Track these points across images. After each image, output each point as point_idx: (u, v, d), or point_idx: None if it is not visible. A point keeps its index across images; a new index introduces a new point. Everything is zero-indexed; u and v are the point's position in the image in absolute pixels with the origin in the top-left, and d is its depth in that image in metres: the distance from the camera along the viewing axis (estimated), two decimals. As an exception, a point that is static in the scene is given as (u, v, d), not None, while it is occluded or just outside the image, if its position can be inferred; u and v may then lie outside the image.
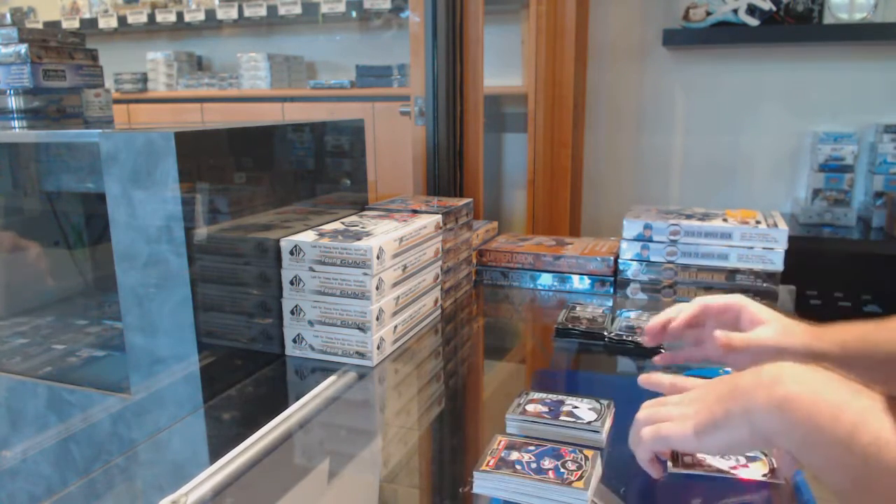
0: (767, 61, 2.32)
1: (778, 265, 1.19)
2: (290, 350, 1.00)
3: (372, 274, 0.93)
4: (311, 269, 0.96)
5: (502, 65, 2.52)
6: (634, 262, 1.28)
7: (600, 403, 0.78)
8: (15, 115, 1.18)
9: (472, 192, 1.67)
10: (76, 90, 1.25)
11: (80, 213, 1.40)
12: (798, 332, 0.67)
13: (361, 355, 0.96)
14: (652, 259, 1.26)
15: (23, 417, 1.01)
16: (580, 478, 0.62)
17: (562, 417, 0.75)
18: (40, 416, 0.99)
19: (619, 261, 1.29)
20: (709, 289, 1.23)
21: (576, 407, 0.77)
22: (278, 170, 1.01)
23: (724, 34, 2.22)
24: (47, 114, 1.21)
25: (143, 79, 3.40)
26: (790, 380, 0.49)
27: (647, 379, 0.74)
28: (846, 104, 2.26)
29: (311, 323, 0.98)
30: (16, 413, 1.01)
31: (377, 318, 0.96)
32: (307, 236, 0.98)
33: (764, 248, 1.19)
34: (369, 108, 2.67)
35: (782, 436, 0.48)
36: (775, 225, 1.20)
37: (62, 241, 1.40)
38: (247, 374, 0.94)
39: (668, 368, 0.84)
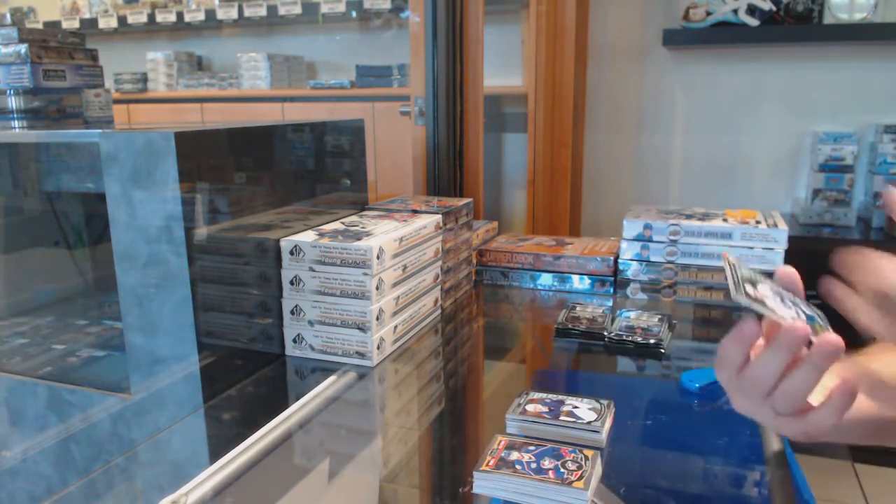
0: (767, 61, 2.32)
1: (778, 265, 1.19)
2: (290, 350, 1.00)
3: (372, 274, 0.93)
4: (311, 269, 0.96)
5: (502, 65, 2.52)
6: (634, 262, 1.28)
7: (600, 403, 0.78)
8: (15, 115, 1.18)
9: (472, 192, 1.67)
10: (76, 90, 1.25)
11: (80, 213, 1.40)
12: None
13: (361, 355, 0.96)
14: (652, 259, 1.26)
15: (23, 417, 1.01)
16: (580, 478, 0.62)
17: (562, 417, 0.75)
18: (40, 416, 0.99)
19: (619, 261, 1.29)
20: (709, 289, 1.23)
21: (576, 407, 0.77)
22: (278, 170, 1.01)
23: (724, 34, 2.22)
24: (47, 114, 1.21)
25: (143, 79, 3.40)
26: None
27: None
28: (846, 104, 2.26)
29: (311, 323, 0.98)
30: (16, 413, 1.01)
31: (377, 318, 0.96)
32: (307, 236, 0.98)
33: (764, 248, 1.19)
34: (369, 108, 2.67)
35: None
36: (775, 225, 1.20)
37: (62, 241, 1.40)
38: (247, 374, 0.94)
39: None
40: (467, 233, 1.31)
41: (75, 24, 3.42)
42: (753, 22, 2.17)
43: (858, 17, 2.09)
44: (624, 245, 1.28)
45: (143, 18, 3.30)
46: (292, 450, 0.78)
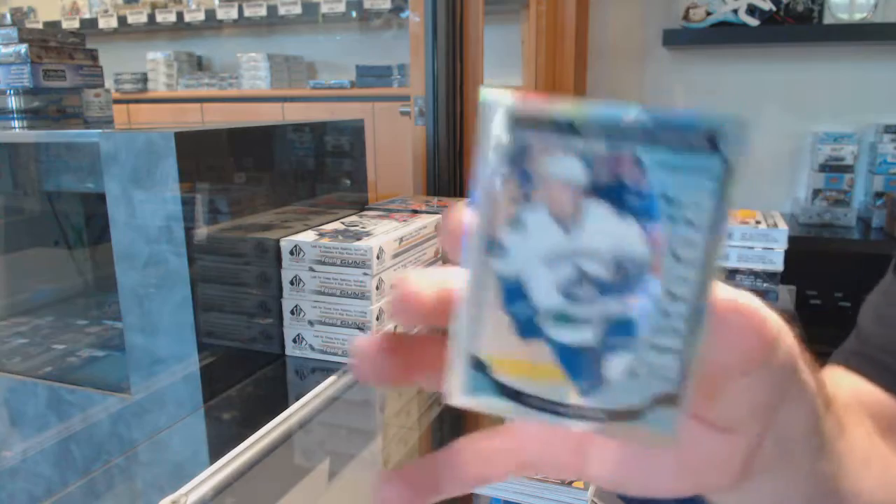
0: (767, 61, 2.32)
1: (778, 265, 1.19)
2: (290, 350, 1.00)
3: (372, 274, 0.93)
4: (311, 269, 0.96)
5: (502, 65, 2.52)
6: (634, 262, 1.27)
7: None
8: (15, 115, 1.18)
9: (472, 192, 1.67)
10: (76, 90, 1.25)
11: (80, 213, 1.40)
12: None
13: (361, 355, 0.96)
14: (652, 259, 1.26)
15: (23, 417, 1.01)
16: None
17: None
18: (40, 416, 0.99)
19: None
20: (709, 289, 1.23)
21: (576, 407, 0.77)
22: (278, 170, 1.01)
23: (724, 34, 2.22)
24: (47, 114, 1.21)
25: (143, 79, 3.40)
26: None
27: None
28: (846, 104, 2.26)
29: (311, 323, 0.98)
30: (16, 413, 1.01)
31: (377, 319, 0.96)
32: (307, 236, 0.98)
33: (764, 248, 1.19)
34: (369, 108, 2.67)
35: None
36: (775, 225, 1.20)
37: (62, 241, 1.40)
38: (247, 374, 0.94)
39: None
40: (467, 233, 1.31)
41: (75, 24, 3.42)
42: (753, 22, 2.17)
43: (858, 17, 2.09)
44: (624, 245, 1.28)
45: (143, 18, 3.30)
46: (292, 450, 0.78)
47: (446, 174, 1.62)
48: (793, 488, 0.29)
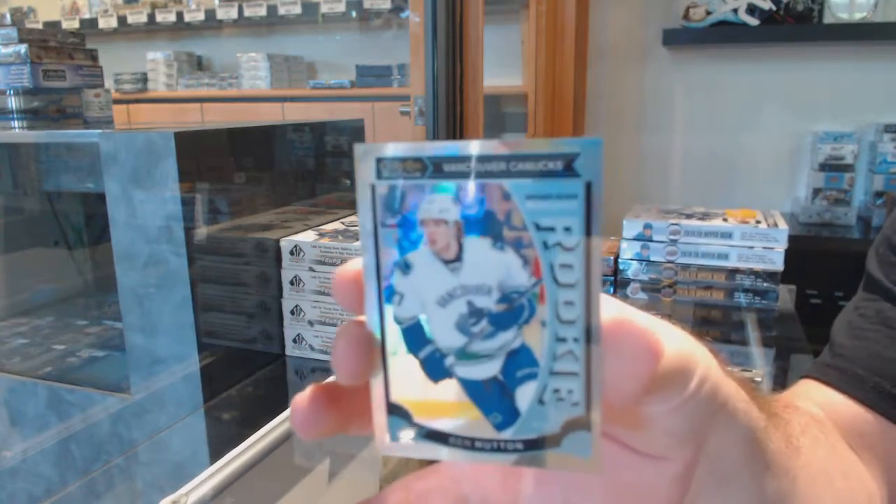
0: (767, 61, 2.32)
1: (778, 265, 1.19)
2: (290, 350, 1.00)
3: (372, 274, 0.93)
4: (311, 269, 0.96)
5: (502, 65, 2.52)
6: (634, 262, 1.27)
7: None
8: (15, 115, 1.18)
9: (472, 191, 1.67)
10: (76, 90, 1.25)
11: (80, 213, 1.40)
12: None
13: (361, 355, 0.96)
14: (652, 259, 1.26)
15: (23, 417, 1.01)
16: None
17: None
18: (40, 416, 0.99)
19: (619, 260, 1.29)
20: (709, 288, 1.23)
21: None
22: (278, 170, 1.01)
23: (724, 34, 2.22)
24: (47, 114, 1.21)
25: (143, 79, 3.40)
26: None
27: None
28: (846, 104, 2.26)
29: (311, 323, 0.98)
30: (16, 413, 1.01)
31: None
32: (307, 236, 0.98)
33: (764, 248, 1.19)
34: (369, 108, 2.67)
35: None
36: (775, 225, 1.20)
37: (62, 241, 1.40)
38: (247, 374, 0.94)
39: None
40: (467, 233, 1.31)
41: (75, 24, 3.42)
42: (753, 21, 2.17)
43: (858, 16, 2.09)
44: (624, 245, 1.28)
45: (143, 18, 3.30)
46: (292, 450, 0.78)
47: (446, 174, 1.62)
48: None
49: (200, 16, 3.18)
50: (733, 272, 1.21)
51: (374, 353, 0.22)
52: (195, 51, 3.45)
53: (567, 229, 0.21)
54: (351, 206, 1.20)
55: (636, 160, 2.51)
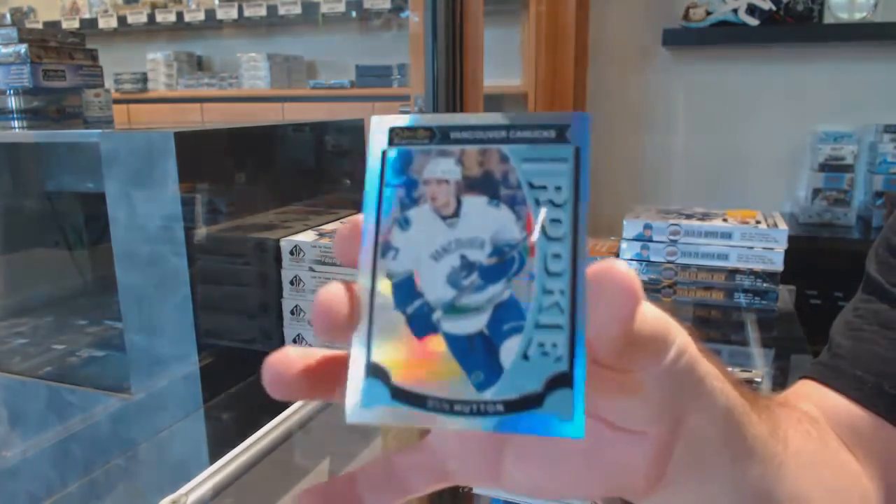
0: (767, 61, 2.32)
1: (778, 265, 1.19)
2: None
3: (372, 274, 0.93)
4: (311, 269, 0.96)
5: (502, 65, 2.52)
6: (634, 262, 1.27)
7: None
8: (15, 115, 1.18)
9: (472, 192, 1.67)
10: (76, 90, 1.25)
11: (80, 213, 1.40)
12: None
13: (361, 355, 0.96)
14: (652, 259, 1.26)
15: (23, 417, 1.01)
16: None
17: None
18: (40, 416, 0.99)
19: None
20: (709, 288, 1.23)
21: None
22: (278, 170, 1.01)
23: (724, 34, 2.22)
24: (47, 114, 1.21)
25: (143, 79, 3.40)
26: None
27: None
28: (846, 104, 2.26)
29: (311, 323, 0.97)
30: (16, 413, 1.01)
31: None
32: (307, 236, 0.98)
33: (764, 248, 1.19)
34: (369, 108, 2.67)
35: None
36: (775, 225, 1.20)
37: (62, 241, 1.40)
38: (247, 374, 0.94)
39: None
40: (467, 233, 1.31)
41: (75, 24, 3.42)
42: (753, 21, 2.17)
43: (858, 16, 2.09)
44: (624, 245, 1.28)
45: (143, 18, 3.30)
46: (292, 450, 0.78)
47: (446, 174, 1.62)
48: (717, 494, 0.30)
49: (200, 16, 3.18)
50: (733, 272, 1.21)
51: (356, 307, 0.23)
52: (195, 51, 3.45)
53: (557, 188, 0.22)
54: (351, 206, 1.19)
55: (636, 160, 2.51)
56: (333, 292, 0.23)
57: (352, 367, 0.23)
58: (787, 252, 1.18)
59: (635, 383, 0.24)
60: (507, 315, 0.22)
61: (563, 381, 0.21)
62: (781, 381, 0.93)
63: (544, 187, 0.22)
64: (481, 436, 0.26)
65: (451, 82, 1.59)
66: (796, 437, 0.35)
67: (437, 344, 0.22)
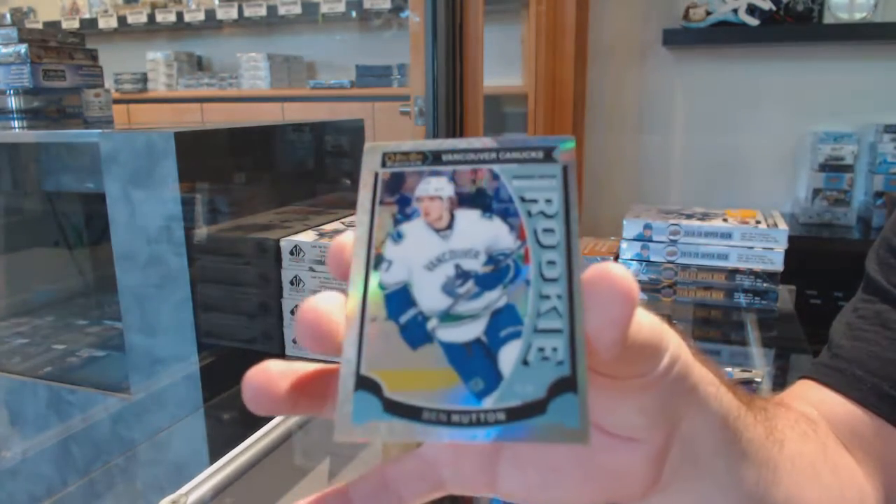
0: (767, 61, 2.32)
1: (778, 265, 1.19)
2: (290, 350, 1.00)
3: (372, 274, 0.93)
4: (312, 270, 0.96)
5: (502, 65, 2.52)
6: (634, 262, 1.27)
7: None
8: (15, 115, 1.18)
9: (472, 192, 1.67)
10: (76, 90, 1.25)
11: (80, 213, 1.40)
12: None
13: (361, 355, 0.96)
14: (652, 259, 1.26)
15: (23, 417, 1.01)
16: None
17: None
18: (40, 416, 0.99)
19: (619, 261, 1.29)
20: (709, 289, 1.23)
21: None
22: (278, 170, 1.01)
23: (724, 34, 2.22)
24: (47, 114, 1.21)
25: (143, 79, 3.40)
26: None
27: None
28: (846, 104, 2.26)
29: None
30: (16, 413, 1.01)
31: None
32: (307, 236, 0.98)
33: (764, 248, 1.19)
34: (369, 108, 2.67)
35: None
36: (775, 225, 1.20)
37: (62, 241, 1.40)
38: (247, 374, 0.94)
39: None
40: (467, 233, 1.31)
41: (75, 24, 3.42)
42: (753, 21, 2.17)
43: (858, 16, 2.09)
44: (624, 245, 1.28)
45: (143, 18, 3.30)
46: (292, 450, 0.78)
47: (446, 174, 1.62)
48: (712, 498, 0.30)
49: (200, 16, 3.18)
50: (733, 272, 1.21)
51: (344, 317, 0.23)
52: (195, 51, 3.45)
53: (548, 201, 0.23)
54: (351, 206, 1.20)
55: (636, 160, 2.51)
56: (315, 304, 0.22)
57: (341, 381, 0.22)
58: (787, 252, 1.18)
59: (630, 390, 0.24)
60: (504, 321, 0.22)
61: (566, 385, 0.20)
62: (781, 380, 0.93)
63: (535, 200, 0.23)
64: (476, 444, 0.26)
65: (451, 82, 1.59)
66: (793, 439, 0.35)
67: (432, 353, 0.22)
